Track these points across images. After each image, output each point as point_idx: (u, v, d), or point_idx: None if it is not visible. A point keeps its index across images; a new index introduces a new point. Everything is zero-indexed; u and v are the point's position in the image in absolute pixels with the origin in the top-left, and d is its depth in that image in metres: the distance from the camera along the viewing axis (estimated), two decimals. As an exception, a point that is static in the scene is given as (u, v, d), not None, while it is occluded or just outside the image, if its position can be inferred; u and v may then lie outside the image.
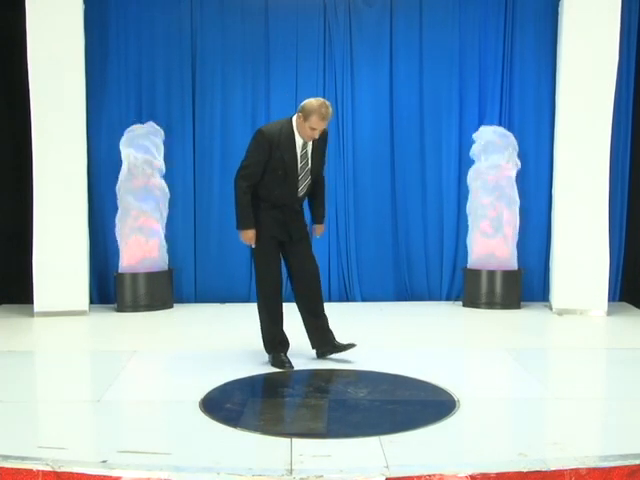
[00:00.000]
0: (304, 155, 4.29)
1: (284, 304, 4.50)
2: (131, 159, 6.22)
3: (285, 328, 4.51)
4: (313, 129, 4.17)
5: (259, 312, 4.48)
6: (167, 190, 6.42)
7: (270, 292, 4.42)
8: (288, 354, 4.48)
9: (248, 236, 4.31)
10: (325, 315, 4.54)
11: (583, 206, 6.08)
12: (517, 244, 6.46)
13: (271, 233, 4.33)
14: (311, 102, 4.19)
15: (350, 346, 4.50)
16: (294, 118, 4.26)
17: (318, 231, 4.64)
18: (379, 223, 6.76)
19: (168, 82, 6.61)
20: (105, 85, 6.52)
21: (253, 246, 4.36)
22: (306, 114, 4.15)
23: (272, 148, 4.21)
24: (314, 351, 4.60)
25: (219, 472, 2.78)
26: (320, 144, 4.38)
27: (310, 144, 4.30)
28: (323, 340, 4.54)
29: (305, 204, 4.56)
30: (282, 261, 4.49)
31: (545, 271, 6.63)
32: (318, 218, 4.63)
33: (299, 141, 4.26)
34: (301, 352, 4.58)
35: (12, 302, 6.49)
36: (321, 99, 4.25)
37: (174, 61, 6.60)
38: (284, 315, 4.50)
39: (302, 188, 4.34)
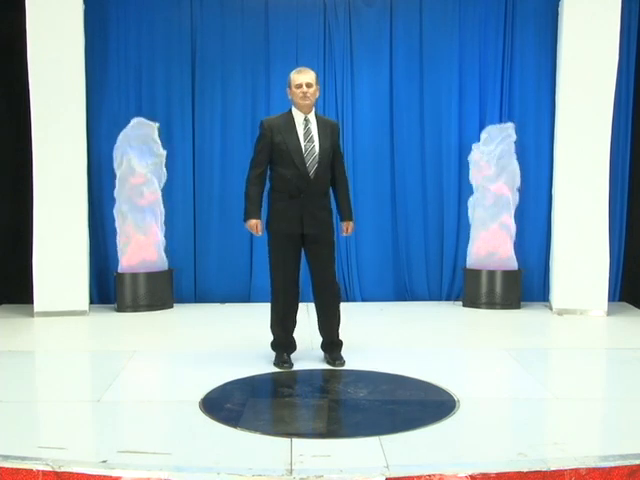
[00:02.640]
0: (307, 133, 4.29)
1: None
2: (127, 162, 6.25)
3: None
4: (299, 86, 4.27)
5: (270, 310, 4.48)
6: (166, 190, 6.41)
7: (278, 292, 4.40)
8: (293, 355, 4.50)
9: (251, 226, 4.36)
10: (334, 323, 4.49)
11: (583, 206, 6.08)
12: (517, 244, 6.46)
13: (284, 229, 4.30)
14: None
15: (340, 364, 4.43)
16: (292, 103, 4.39)
17: (347, 228, 4.50)
18: (379, 223, 6.75)
19: (168, 82, 6.61)
20: (105, 85, 6.52)
21: (259, 234, 4.39)
22: (289, 82, 4.36)
23: (273, 133, 4.30)
24: (316, 349, 4.64)
25: (219, 472, 2.78)
26: (327, 131, 4.35)
27: (314, 125, 4.31)
28: (324, 347, 4.56)
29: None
30: (301, 261, 4.41)
31: (545, 271, 6.64)
32: (345, 214, 4.51)
33: (299, 121, 4.31)
34: (302, 352, 4.58)
35: (12, 302, 6.49)
36: None
37: (174, 61, 6.59)
38: (295, 316, 4.47)
39: (310, 167, 4.24)
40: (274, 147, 4.29)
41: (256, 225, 4.35)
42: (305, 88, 4.26)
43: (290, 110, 4.37)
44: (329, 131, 4.37)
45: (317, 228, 4.31)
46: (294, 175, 4.25)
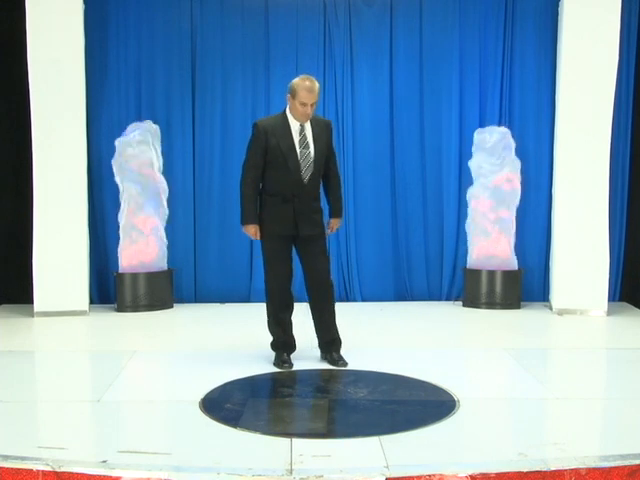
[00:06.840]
0: (303, 140, 4.26)
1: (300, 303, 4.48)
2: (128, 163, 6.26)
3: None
4: (304, 104, 4.19)
5: (266, 310, 4.49)
6: (167, 190, 6.42)
7: (273, 292, 4.41)
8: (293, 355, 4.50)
9: (250, 231, 4.34)
10: (330, 319, 4.48)
11: (583, 206, 6.08)
12: (517, 244, 6.46)
13: (277, 231, 4.30)
14: (295, 80, 4.26)
15: (342, 364, 4.42)
16: (287, 106, 4.31)
17: (333, 225, 4.53)
18: (379, 223, 6.75)
19: (168, 82, 6.61)
20: (105, 85, 6.52)
21: (257, 239, 4.38)
22: (293, 92, 4.21)
23: (267, 136, 4.25)
24: (317, 348, 4.62)
25: (219, 472, 2.78)
26: (322, 132, 4.33)
27: (309, 130, 4.28)
28: (324, 346, 4.55)
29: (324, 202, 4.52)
30: (293, 260, 4.41)
31: (545, 271, 6.64)
32: (334, 211, 4.53)
33: (295, 126, 4.27)
34: (302, 352, 4.58)
35: (12, 302, 6.49)
36: (304, 75, 4.32)
37: (174, 61, 6.60)
38: (292, 315, 4.48)
39: (305, 173, 4.25)
40: (269, 150, 4.26)
41: (255, 230, 4.33)
42: (309, 108, 4.21)
43: (285, 112, 4.32)
44: (324, 131, 4.34)
45: (311, 230, 4.33)
46: (288, 180, 4.25)
